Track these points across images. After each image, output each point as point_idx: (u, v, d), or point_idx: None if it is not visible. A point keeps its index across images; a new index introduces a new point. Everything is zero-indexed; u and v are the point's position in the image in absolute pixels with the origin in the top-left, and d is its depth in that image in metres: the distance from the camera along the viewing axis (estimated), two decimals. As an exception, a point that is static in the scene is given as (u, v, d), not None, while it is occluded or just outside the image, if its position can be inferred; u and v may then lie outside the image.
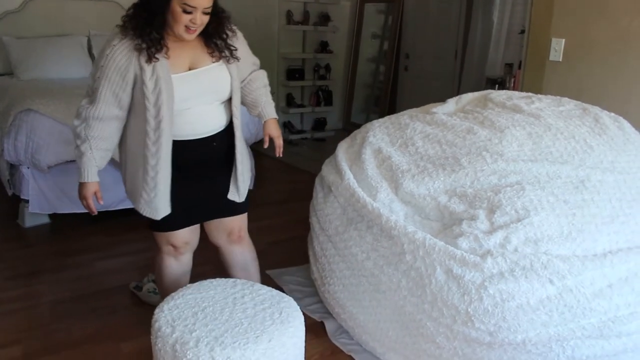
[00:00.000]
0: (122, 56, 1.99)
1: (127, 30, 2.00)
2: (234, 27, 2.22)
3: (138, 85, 2.01)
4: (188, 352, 1.68)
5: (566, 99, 2.60)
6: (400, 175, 2.25)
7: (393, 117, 2.65)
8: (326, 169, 2.54)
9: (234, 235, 2.42)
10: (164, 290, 2.38)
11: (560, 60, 3.31)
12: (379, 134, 2.52)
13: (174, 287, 2.29)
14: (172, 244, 2.31)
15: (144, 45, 1.98)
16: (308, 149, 6.17)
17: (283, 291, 2.67)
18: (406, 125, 2.50)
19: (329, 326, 2.59)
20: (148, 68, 1.99)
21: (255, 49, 2.32)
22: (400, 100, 6.45)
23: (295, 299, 2.01)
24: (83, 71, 4.69)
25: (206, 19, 2.03)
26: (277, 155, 2.34)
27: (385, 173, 2.31)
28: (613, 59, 3.09)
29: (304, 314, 2.61)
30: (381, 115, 2.85)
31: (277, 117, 2.37)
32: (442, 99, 2.87)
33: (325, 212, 2.37)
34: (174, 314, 1.83)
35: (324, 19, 6.47)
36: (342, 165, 2.43)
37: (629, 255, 1.88)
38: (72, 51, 4.72)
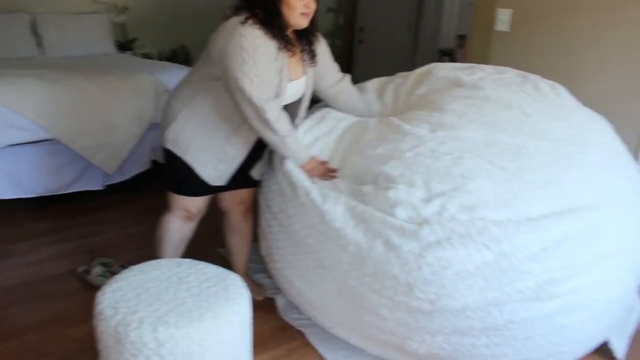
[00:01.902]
0: (270, 49, 2.12)
1: (258, 23, 2.09)
2: (319, 33, 2.36)
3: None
4: (131, 334, 1.67)
5: (508, 68, 2.61)
6: (341, 147, 2.28)
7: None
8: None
9: (245, 205, 2.63)
10: (162, 253, 2.54)
11: (508, 30, 3.33)
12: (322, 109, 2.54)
13: (174, 251, 2.52)
14: (187, 209, 2.45)
15: (277, 42, 2.13)
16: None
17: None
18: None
19: (280, 302, 2.61)
20: (281, 62, 2.15)
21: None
22: (356, 73, 6.43)
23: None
24: (26, 50, 4.54)
25: (315, 4, 2.15)
26: None
27: (324, 147, 2.34)
28: (559, 30, 3.13)
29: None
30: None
31: None
32: (397, 71, 2.87)
33: (270, 189, 2.37)
34: (117, 296, 1.82)
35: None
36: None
37: (561, 219, 1.92)
38: (15, 29, 4.56)
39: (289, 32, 2.20)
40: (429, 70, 2.67)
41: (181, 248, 2.58)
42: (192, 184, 2.36)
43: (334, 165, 2.30)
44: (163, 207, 2.52)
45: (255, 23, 2.09)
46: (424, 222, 1.91)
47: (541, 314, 1.88)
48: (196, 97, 2.27)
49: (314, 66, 2.35)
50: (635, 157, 2.87)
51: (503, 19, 3.33)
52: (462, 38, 4.77)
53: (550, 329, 1.93)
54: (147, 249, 2.92)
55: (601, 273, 1.96)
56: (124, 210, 3.68)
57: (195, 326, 1.70)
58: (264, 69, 2.10)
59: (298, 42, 2.27)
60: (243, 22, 2.09)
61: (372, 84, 2.74)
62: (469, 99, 2.33)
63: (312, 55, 2.32)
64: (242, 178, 2.45)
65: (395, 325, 1.97)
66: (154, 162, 3.87)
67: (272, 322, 2.51)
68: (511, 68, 2.63)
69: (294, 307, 2.53)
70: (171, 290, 1.86)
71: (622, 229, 2.06)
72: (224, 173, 2.36)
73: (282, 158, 2.30)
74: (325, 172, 2.26)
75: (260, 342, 2.35)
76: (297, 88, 2.31)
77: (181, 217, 2.49)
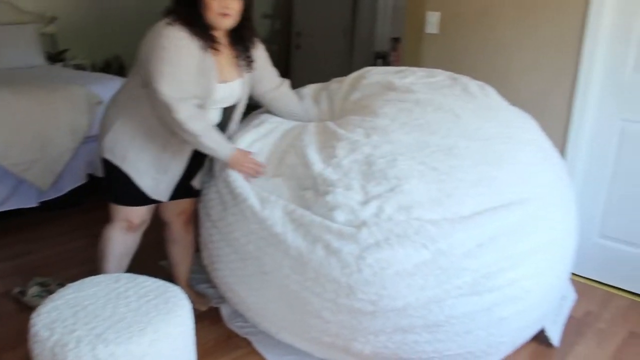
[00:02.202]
0: (190, 48, 2.10)
1: (183, 24, 2.10)
2: (257, 39, 2.40)
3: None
4: (68, 354, 1.63)
5: (438, 70, 2.68)
6: (284, 152, 2.29)
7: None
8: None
9: (186, 215, 2.61)
10: (105, 266, 2.48)
11: (438, 32, 3.42)
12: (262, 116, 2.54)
13: (117, 264, 2.48)
14: (129, 220, 2.41)
15: (202, 43, 2.12)
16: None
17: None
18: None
19: (224, 311, 2.60)
20: (205, 67, 2.14)
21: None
22: (294, 78, 6.47)
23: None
24: None
25: (237, 5, 2.14)
26: None
27: (265, 152, 2.34)
28: (484, 32, 3.24)
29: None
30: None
31: None
32: (334, 74, 2.91)
33: (209, 197, 2.35)
34: (53, 316, 1.77)
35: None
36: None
37: (494, 215, 1.98)
38: None
39: (216, 33, 2.19)
40: (362, 75, 2.72)
41: (125, 261, 2.53)
42: (132, 194, 2.32)
43: (270, 166, 2.29)
44: (102, 221, 2.46)
45: (181, 24, 2.09)
46: (362, 224, 1.94)
47: (480, 307, 1.94)
48: (130, 105, 2.26)
49: (250, 72, 2.37)
50: (561, 152, 3.01)
51: (432, 21, 3.41)
52: (396, 41, 4.86)
53: (489, 322, 1.99)
54: (86, 265, 2.85)
55: (534, 265, 2.04)
56: (61, 227, 3.57)
57: (135, 342, 1.68)
58: (184, 69, 2.09)
59: (232, 46, 2.29)
60: (169, 24, 2.10)
61: (308, 90, 2.76)
62: (401, 103, 2.38)
63: (249, 61, 2.33)
64: (183, 188, 2.43)
65: (339, 327, 1.99)
66: (90, 176, 3.77)
67: (217, 331, 2.49)
68: (442, 70, 2.71)
69: (238, 315, 2.52)
70: (109, 306, 1.83)
71: (551, 221, 2.15)
72: (164, 184, 2.33)
73: (223, 165, 2.29)
74: (253, 166, 2.24)
75: (205, 352, 2.33)
76: (231, 90, 2.31)
77: (123, 228, 2.44)
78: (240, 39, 2.29)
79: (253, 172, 2.24)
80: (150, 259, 3.01)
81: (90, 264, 2.60)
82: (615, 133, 2.91)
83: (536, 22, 3.03)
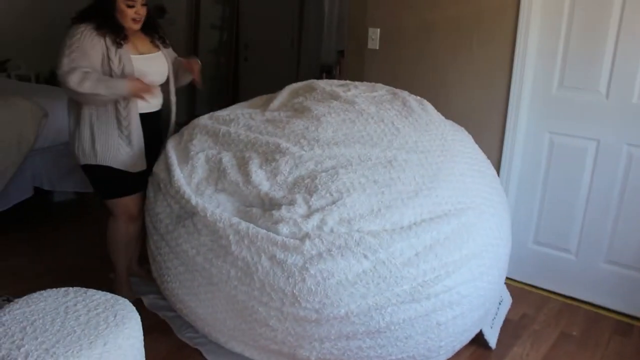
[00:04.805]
0: (91, 37, 2.47)
1: (90, 22, 2.48)
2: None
3: (105, 61, 2.50)
4: (16, 370, 1.64)
5: (380, 84, 2.81)
6: (228, 167, 2.34)
7: (218, 112, 2.74)
8: (158, 167, 2.56)
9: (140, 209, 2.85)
10: (117, 253, 2.80)
11: (378, 48, 3.55)
12: (204, 129, 2.59)
13: (125, 250, 2.81)
14: (128, 212, 2.73)
15: (112, 36, 2.50)
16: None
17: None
18: (231, 120, 2.60)
19: (175, 322, 2.62)
20: (112, 48, 2.50)
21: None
22: (243, 90, 6.52)
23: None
24: None
25: (144, 10, 2.59)
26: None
27: (213, 166, 2.39)
28: (419, 46, 3.38)
29: (150, 312, 2.64)
30: (226, 106, 2.98)
31: None
32: (281, 87, 2.99)
33: (156, 211, 2.39)
34: (0, 332, 1.77)
35: (159, 11, 6.32)
36: (171, 162, 2.46)
37: (431, 225, 2.10)
38: None
39: (128, 30, 2.58)
40: (308, 84, 2.83)
41: (132, 246, 2.87)
42: (119, 183, 2.64)
43: (212, 180, 2.39)
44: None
45: (87, 24, 2.48)
46: (306, 236, 2.02)
47: (418, 313, 2.05)
48: (76, 107, 2.58)
49: (167, 47, 2.85)
50: (497, 163, 3.17)
51: (373, 37, 3.55)
52: (341, 54, 4.97)
53: (427, 327, 2.09)
54: (34, 280, 2.82)
55: (469, 271, 2.16)
56: (7, 241, 3.51)
57: (85, 355, 1.69)
58: (81, 55, 2.45)
59: (146, 32, 2.71)
60: (74, 24, 2.51)
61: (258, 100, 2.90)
62: (344, 113, 2.50)
63: (162, 40, 2.81)
64: (146, 176, 2.67)
65: (285, 335, 2.06)
66: (36, 189, 3.73)
67: (169, 342, 2.52)
68: (382, 84, 2.83)
69: (189, 326, 2.55)
70: (58, 320, 1.84)
71: (485, 229, 2.28)
72: (137, 154, 2.63)
73: (172, 178, 2.35)
74: (147, 86, 2.54)
75: (156, 364, 2.36)
76: (153, 61, 2.68)
77: (124, 220, 2.73)
78: (149, 28, 2.72)
79: (148, 92, 2.55)
80: (99, 272, 3.01)
81: (37, 280, 2.57)
82: (545, 145, 3.09)
83: (470, 40, 3.18)
